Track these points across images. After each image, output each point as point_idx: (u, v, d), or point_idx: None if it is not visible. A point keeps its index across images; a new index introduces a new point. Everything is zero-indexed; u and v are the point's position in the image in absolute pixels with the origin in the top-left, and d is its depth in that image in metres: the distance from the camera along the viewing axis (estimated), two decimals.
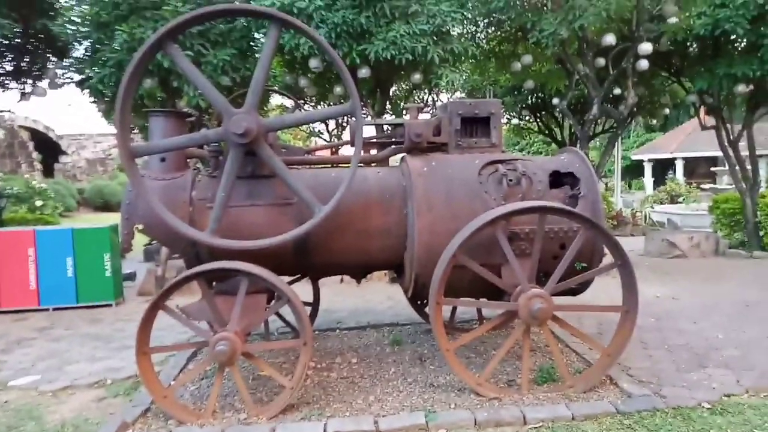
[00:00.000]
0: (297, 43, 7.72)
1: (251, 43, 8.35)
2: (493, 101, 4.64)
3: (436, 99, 13.63)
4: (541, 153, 27.77)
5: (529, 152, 30.41)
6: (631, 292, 4.00)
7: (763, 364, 4.57)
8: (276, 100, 13.67)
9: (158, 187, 4.00)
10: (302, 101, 11.04)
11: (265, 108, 11.66)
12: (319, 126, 13.70)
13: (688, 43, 9.76)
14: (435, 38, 7.82)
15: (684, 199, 19.28)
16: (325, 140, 13.47)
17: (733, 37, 8.65)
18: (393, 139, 4.63)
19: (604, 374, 4.11)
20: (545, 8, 8.66)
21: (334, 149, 6.02)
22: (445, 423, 3.56)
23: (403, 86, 12.22)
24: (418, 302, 5.53)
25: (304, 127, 14.67)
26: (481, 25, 10.25)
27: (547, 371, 4.27)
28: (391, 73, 8.81)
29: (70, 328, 6.59)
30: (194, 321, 3.95)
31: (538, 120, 15.00)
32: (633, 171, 29.91)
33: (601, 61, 9.84)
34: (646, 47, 9.16)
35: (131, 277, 9.21)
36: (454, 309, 5.74)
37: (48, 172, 25.57)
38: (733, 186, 11.23)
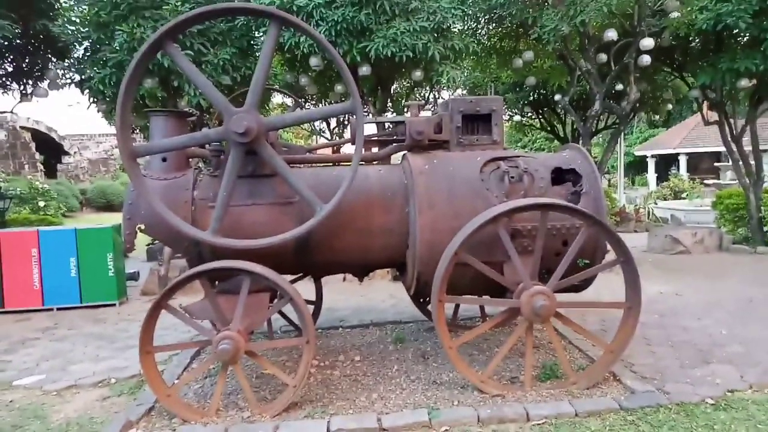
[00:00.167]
0: (297, 42, 7.72)
1: (251, 42, 8.35)
2: (495, 98, 4.62)
3: (437, 96, 13.59)
4: (543, 150, 27.75)
5: (531, 149, 30.37)
6: (634, 289, 3.99)
7: (767, 360, 4.56)
8: (277, 99, 13.67)
9: (160, 186, 4.01)
10: (303, 100, 11.04)
11: (267, 107, 11.65)
12: (320, 124, 13.70)
13: (691, 38, 9.69)
14: (435, 35, 7.81)
15: (687, 195, 19.23)
16: (326, 139, 13.47)
17: (735, 31, 8.58)
18: (394, 137, 4.62)
19: (607, 371, 4.10)
20: (546, 4, 8.62)
21: (335, 148, 6.01)
22: (448, 420, 3.56)
23: (404, 84, 12.19)
24: (421, 300, 5.52)
25: (306, 125, 14.68)
26: (482, 21, 10.22)
27: (550, 368, 4.26)
28: (392, 70, 8.80)
29: (74, 328, 6.62)
30: (197, 320, 3.95)
31: (541, 117, 14.96)
32: (636, 167, 29.84)
33: (602, 57, 9.81)
34: (647, 42, 9.12)
35: (134, 276, 9.23)
36: (457, 306, 5.73)
37: (51, 172, 25.63)
38: (737, 181, 11.18)
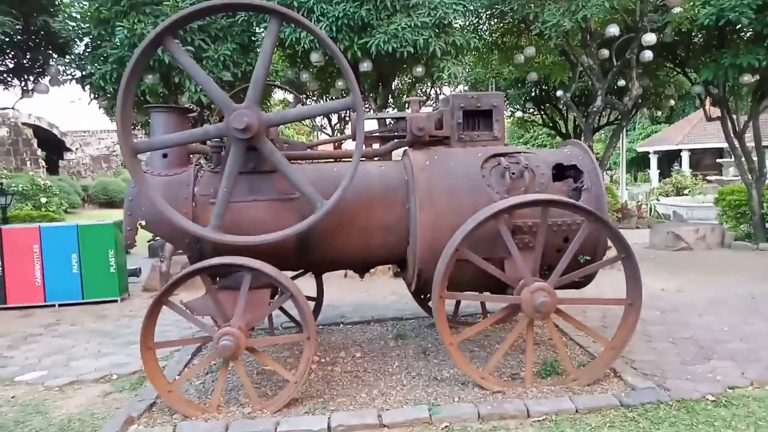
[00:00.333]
0: (298, 38, 7.70)
1: (252, 38, 8.33)
2: (496, 94, 4.60)
3: (438, 92, 13.58)
4: (545, 146, 27.69)
5: (533, 145, 30.30)
6: (635, 285, 3.98)
7: None
8: (279, 95, 13.66)
9: (160, 183, 4.01)
10: (304, 96, 11.02)
11: (268, 103, 11.64)
12: (321, 120, 13.70)
13: (693, 34, 9.66)
14: (437, 31, 7.79)
15: (690, 191, 19.19)
16: (327, 135, 13.46)
17: (738, 26, 8.54)
18: (395, 133, 4.61)
19: (608, 367, 4.10)
20: None
21: (336, 144, 6.00)
22: (449, 416, 3.57)
23: (405, 80, 12.18)
24: (422, 296, 5.53)
25: (307, 121, 14.67)
26: (484, 16, 10.20)
27: (550, 364, 4.26)
28: (393, 66, 8.79)
29: (76, 324, 6.64)
30: (198, 316, 3.96)
31: (542, 113, 14.93)
32: (639, 163, 29.78)
33: (604, 53, 9.78)
34: (650, 38, 9.09)
35: (136, 272, 9.25)
36: (458, 303, 5.74)
37: (52, 169, 25.68)
38: (739, 178, 11.14)
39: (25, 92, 9.32)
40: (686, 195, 19.03)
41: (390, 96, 10.69)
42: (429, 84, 12.63)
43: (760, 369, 4.28)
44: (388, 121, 4.69)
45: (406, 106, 4.68)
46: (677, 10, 8.79)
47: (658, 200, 18.49)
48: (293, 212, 4.03)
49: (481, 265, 3.88)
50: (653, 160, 27.14)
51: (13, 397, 4.40)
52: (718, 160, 22.82)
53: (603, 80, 9.71)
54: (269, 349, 5.11)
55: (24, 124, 24.17)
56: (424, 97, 13.16)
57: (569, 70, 10.99)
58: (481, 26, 10.49)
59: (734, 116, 10.63)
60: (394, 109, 11.63)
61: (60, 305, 7.46)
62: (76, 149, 29.16)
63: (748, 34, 9.15)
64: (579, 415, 3.56)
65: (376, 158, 4.68)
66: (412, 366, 4.57)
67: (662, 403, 3.67)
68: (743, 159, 10.57)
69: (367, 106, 9.44)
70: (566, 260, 3.88)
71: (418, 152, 4.35)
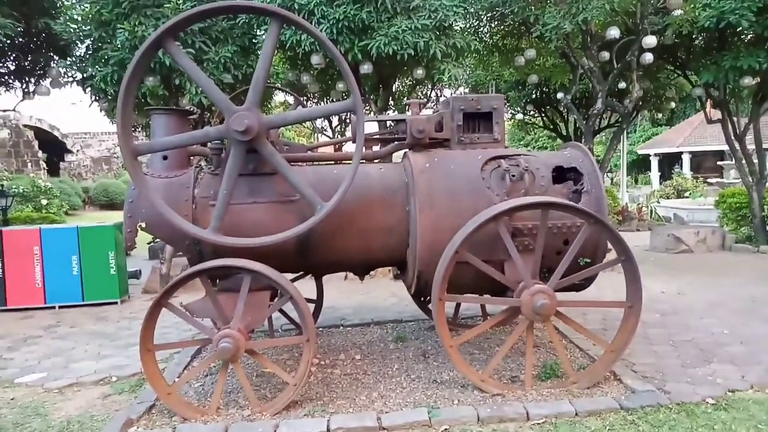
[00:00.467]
0: (299, 40, 7.71)
1: (253, 40, 8.35)
2: (496, 96, 4.60)
3: (439, 94, 13.60)
4: (546, 148, 27.67)
5: (534, 147, 30.31)
6: (635, 288, 3.97)
7: None
8: (279, 97, 13.68)
9: (161, 185, 4.01)
10: (305, 98, 11.04)
11: (268, 105, 11.66)
12: (322, 122, 13.71)
13: (694, 36, 9.66)
14: (437, 33, 7.80)
15: (691, 194, 19.17)
16: (328, 137, 13.47)
17: (738, 29, 8.54)
18: (396, 136, 4.61)
19: (607, 370, 4.09)
20: (548, 2, 8.60)
21: (336, 146, 6.01)
22: (448, 419, 3.56)
23: (406, 82, 12.20)
24: (422, 299, 5.52)
25: (308, 123, 14.69)
26: (484, 19, 10.21)
27: (550, 367, 4.25)
28: (394, 68, 8.80)
29: (76, 326, 6.63)
30: (198, 318, 3.96)
31: (543, 115, 14.95)
32: (640, 165, 29.76)
33: (605, 55, 9.79)
34: (650, 40, 9.10)
35: (136, 274, 9.25)
36: (458, 305, 5.73)
37: (53, 170, 25.71)
38: (740, 180, 11.13)
39: (27, 94, 9.34)
40: (687, 197, 19.01)
41: (390, 98, 10.70)
42: (429, 86, 12.64)
43: (760, 372, 4.27)
44: (388, 123, 4.68)
45: (407, 108, 4.68)
46: (678, 12, 8.79)
47: (659, 203, 18.48)
48: (293, 214, 4.03)
49: (481, 268, 3.87)
50: (654, 163, 27.13)
51: (12, 399, 4.40)
52: (719, 163, 22.79)
53: (603, 82, 9.71)
54: (269, 351, 5.11)
55: (25, 125, 24.21)
56: (425, 100, 13.17)
57: (570, 72, 10.99)
58: (481, 28, 10.51)
59: (735, 119, 10.63)
60: (394, 111, 11.65)
61: (60, 307, 7.46)
62: (77, 151, 29.20)
63: (748, 37, 9.16)
64: (579, 418, 3.56)
65: (376, 160, 4.68)
66: (412, 368, 4.56)
67: (662, 407, 3.66)
68: (744, 161, 10.56)
69: (367, 108, 9.45)
70: (566, 263, 3.88)
71: (418, 154, 4.35)
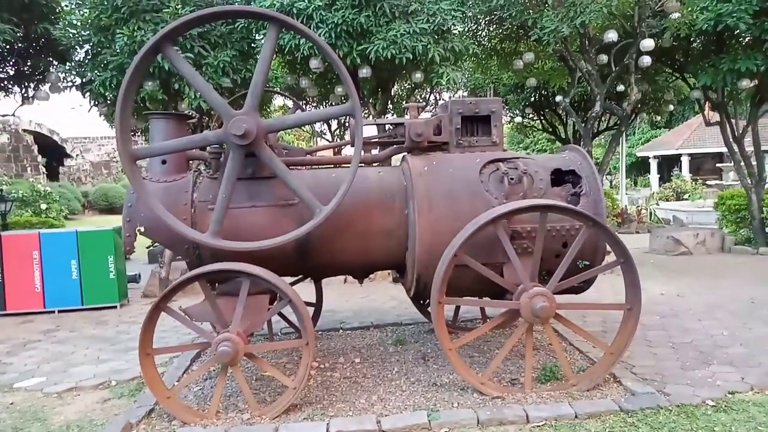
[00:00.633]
0: (297, 44, 7.73)
1: (252, 45, 8.37)
2: (494, 99, 4.61)
3: (438, 98, 13.62)
4: (545, 151, 27.73)
5: (533, 150, 30.35)
6: (634, 290, 3.97)
7: None
8: (279, 101, 13.71)
9: (159, 189, 4.02)
10: (304, 102, 11.05)
11: (268, 109, 11.67)
12: (321, 126, 13.73)
13: (691, 39, 9.69)
14: (435, 37, 7.82)
15: (690, 196, 19.19)
16: (327, 140, 13.49)
17: (736, 32, 8.57)
18: (394, 139, 4.62)
19: (607, 372, 4.09)
20: (546, 5, 8.63)
21: (335, 149, 6.02)
22: (448, 422, 3.56)
23: (405, 85, 12.22)
24: (421, 302, 5.52)
25: (307, 127, 14.71)
26: (482, 23, 10.25)
27: (550, 370, 4.25)
28: (392, 72, 8.82)
29: (75, 330, 6.63)
30: (197, 322, 3.96)
31: (542, 118, 14.98)
32: (639, 168, 29.80)
33: (603, 58, 9.82)
34: (648, 43, 9.13)
35: (136, 278, 9.25)
36: (458, 308, 5.73)
37: (53, 175, 25.72)
38: (739, 182, 11.15)
39: (26, 99, 9.36)
40: (686, 200, 19.02)
41: (389, 102, 10.72)
42: (428, 90, 12.66)
43: (760, 374, 4.27)
44: (386, 126, 4.69)
45: (405, 111, 4.70)
46: (675, 15, 8.82)
47: (658, 205, 18.50)
48: (292, 218, 4.03)
49: (480, 270, 3.88)
50: (653, 165, 27.17)
51: (11, 404, 4.40)
52: (717, 165, 22.82)
53: (602, 85, 9.74)
54: (268, 355, 5.11)
55: (24, 130, 24.23)
56: (424, 103, 13.20)
57: (568, 75, 11.02)
58: (479, 32, 10.54)
59: (733, 121, 10.65)
60: (393, 114, 11.67)
61: (59, 311, 7.46)
62: (77, 155, 29.21)
63: (746, 40, 9.18)
64: (578, 421, 3.55)
65: (374, 164, 4.69)
66: (412, 371, 4.56)
67: (662, 409, 3.66)
68: (742, 163, 10.57)
69: (366, 112, 9.47)
70: (565, 265, 3.88)
71: (416, 158, 4.36)
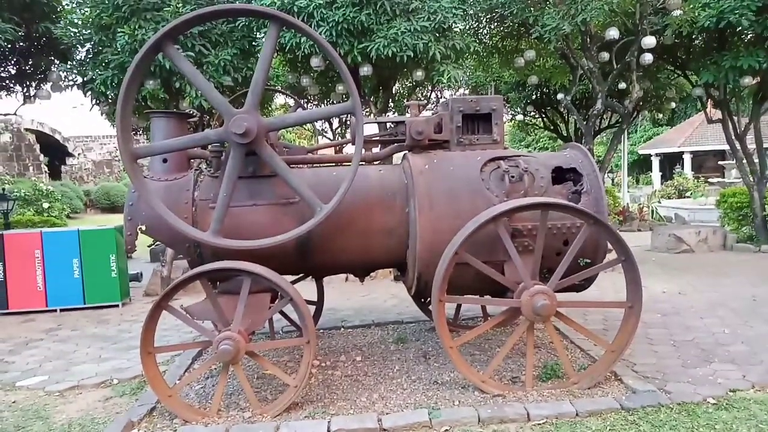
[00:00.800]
0: (298, 42, 7.73)
1: (252, 43, 8.37)
2: (495, 97, 4.61)
3: (439, 96, 13.61)
4: (547, 149, 27.69)
5: (535, 148, 30.32)
6: (635, 288, 3.97)
7: None
8: (280, 99, 13.70)
9: (160, 188, 4.02)
10: (305, 100, 11.06)
11: (269, 108, 11.67)
12: (322, 125, 13.73)
13: (693, 36, 9.66)
14: (436, 35, 7.81)
15: (692, 194, 19.16)
16: (328, 139, 13.48)
17: (738, 29, 8.54)
18: (395, 137, 4.62)
19: (608, 370, 4.08)
20: (547, 3, 8.61)
21: (337, 148, 6.02)
22: (449, 420, 3.56)
23: (406, 83, 12.20)
24: (422, 300, 5.52)
25: (308, 126, 14.71)
26: (483, 20, 10.22)
27: (551, 368, 4.25)
28: (393, 70, 8.81)
29: (77, 329, 6.65)
30: (198, 321, 3.96)
31: (543, 116, 14.95)
32: (641, 166, 29.74)
33: (605, 56, 9.80)
34: (650, 41, 9.10)
35: (137, 277, 9.27)
36: (459, 306, 5.73)
37: (55, 174, 25.76)
38: (741, 180, 11.13)
39: (27, 98, 9.37)
40: (688, 197, 18.99)
41: (390, 100, 10.72)
42: (429, 88, 12.66)
43: (761, 372, 4.26)
44: (387, 125, 4.69)
45: (406, 110, 4.69)
46: (677, 12, 8.79)
47: (660, 203, 18.47)
48: (293, 216, 4.03)
49: (481, 269, 3.87)
50: (655, 163, 27.11)
51: (14, 402, 4.41)
52: (720, 163, 22.77)
53: (603, 83, 9.71)
54: (269, 353, 5.11)
55: (26, 129, 24.28)
56: (425, 101, 13.19)
57: (569, 73, 11.00)
58: (481, 30, 10.51)
59: (735, 118, 10.63)
60: (394, 113, 11.66)
61: (61, 310, 7.48)
62: (79, 154, 29.25)
63: (748, 36, 9.15)
64: (579, 419, 3.55)
65: (375, 162, 4.69)
66: (413, 370, 4.56)
67: (663, 406, 3.65)
68: (745, 161, 10.55)
69: (367, 110, 9.46)
70: (566, 263, 3.88)
71: (417, 156, 4.35)
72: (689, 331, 5.44)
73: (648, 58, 9.39)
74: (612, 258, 4.08)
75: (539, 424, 3.51)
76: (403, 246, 4.27)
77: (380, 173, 4.40)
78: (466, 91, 13.72)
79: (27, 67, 9.13)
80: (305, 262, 4.31)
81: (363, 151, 3.98)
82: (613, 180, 25.29)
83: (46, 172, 23.97)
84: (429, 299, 4.77)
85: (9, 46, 8.23)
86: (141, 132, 10.16)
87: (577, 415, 3.59)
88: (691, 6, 8.67)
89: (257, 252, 3.74)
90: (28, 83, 9.28)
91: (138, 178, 3.65)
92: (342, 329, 5.98)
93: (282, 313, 5.41)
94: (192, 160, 4.49)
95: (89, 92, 8.40)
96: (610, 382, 4.07)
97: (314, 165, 4.60)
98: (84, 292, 7.56)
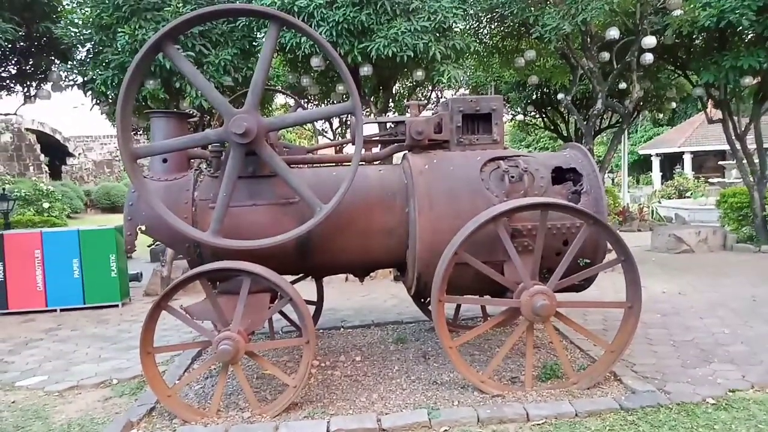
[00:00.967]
0: (298, 42, 7.73)
1: (253, 43, 8.37)
2: (495, 97, 4.61)
3: (439, 96, 13.61)
4: (547, 149, 27.69)
5: (535, 148, 30.32)
6: (635, 288, 3.97)
7: None
8: (280, 99, 13.70)
9: (160, 187, 4.02)
10: (305, 100, 11.05)
11: (269, 107, 11.67)
12: (322, 125, 13.73)
13: (694, 36, 9.65)
14: (437, 35, 7.81)
15: (692, 194, 19.15)
16: (328, 139, 13.48)
17: (739, 28, 8.53)
18: (395, 137, 4.62)
19: (607, 371, 4.08)
20: (548, 3, 8.61)
21: (337, 148, 6.02)
22: (448, 420, 3.56)
23: (406, 83, 12.20)
24: (422, 300, 5.52)
25: (308, 125, 14.71)
26: (484, 20, 10.22)
27: (550, 368, 4.25)
28: (394, 70, 8.81)
29: (77, 329, 6.65)
30: (198, 321, 3.96)
31: (544, 116, 14.95)
32: (641, 165, 29.72)
33: (605, 56, 9.79)
34: (650, 41, 9.09)
35: (137, 277, 9.27)
36: (459, 306, 5.73)
37: (55, 174, 25.77)
38: (741, 180, 11.12)
39: (28, 98, 9.38)
40: (688, 197, 18.98)
41: (390, 100, 10.71)
42: (429, 88, 12.65)
43: (760, 372, 4.26)
44: (387, 125, 4.69)
45: (406, 110, 4.69)
46: (677, 12, 8.79)
47: (660, 203, 18.46)
48: (293, 216, 4.03)
49: (481, 269, 3.87)
50: (655, 163, 27.09)
51: (13, 402, 4.41)
52: (720, 163, 22.75)
53: (603, 83, 9.71)
54: (269, 353, 5.11)
55: (27, 129, 24.29)
56: (425, 101, 13.19)
57: (570, 73, 10.99)
58: (481, 30, 10.51)
59: (735, 118, 10.62)
60: (394, 113, 11.65)
61: (61, 310, 7.49)
62: (79, 154, 29.26)
63: (749, 36, 9.14)
64: (579, 419, 3.55)
65: (375, 162, 4.69)
66: (412, 370, 4.56)
67: (662, 407, 3.65)
68: (745, 161, 10.54)
69: (367, 110, 9.46)
70: (566, 263, 3.88)
71: (417, 156, 4.35)
72: (689, 331, 5.44)
73: (648, 58, 9.38)
74: (612, 258, 4.08)
75: (538, 424, 3.51)
76: (402, 246, 4.27)
77: (380, 173, 4.40)
78: (467, 91, 13.71)
79: (27, 67, 9.13)
80: (305, 262, 4.31)
81: (363, 151, 3.98)
82: (613, 180, 25.28)
83: (46, 172, 23.99)
84: (429, 299, 4.77)
85: (9, 45, 8.24)
86: (141, 132, 10.15)
87: (576, 415, 3.59)
88: (692, 6, 8.66)
89: (257, 252, 3.74)
90: (28, 83, 9.29)
91: (138, 178, 3.66)
92: (342, 329, 5.98)
93: (282, 313, 5.41)
94: (192, 160, 4.49)
95: (89, 92, 8.41)
96: (610, 382, 4.07)
97: (314, 165, 4.60)
98: (84, 292, 7.56)
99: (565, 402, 3.74)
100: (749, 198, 10.59)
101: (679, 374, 4.28)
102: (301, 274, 5.12)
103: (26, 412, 4.20)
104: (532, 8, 8.69)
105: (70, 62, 8.70)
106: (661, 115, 15.24)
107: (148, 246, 11.13)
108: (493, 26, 10.52)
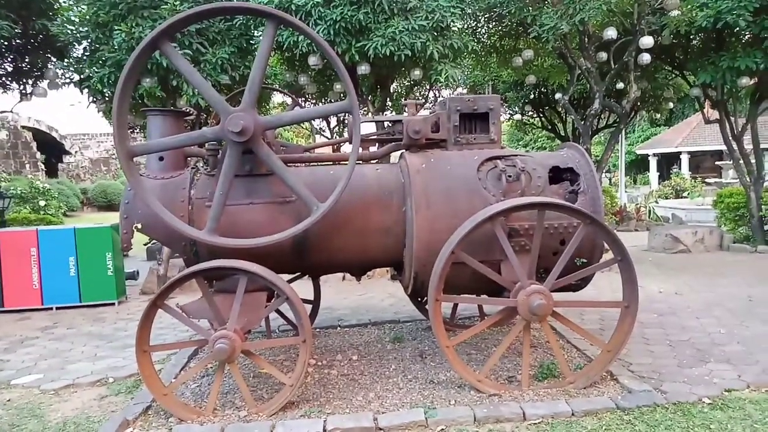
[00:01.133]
0: (296, 41, 7.71)
1: (250, 41, 8.34)
2: (492, 97, 4.60)
3: (437, 95, 13.61)
4: (545, 148, 27.71)
5: (533, 148, 30.34)
6: (632, 288, 3.97)
7: (765, 359, 4.54)
8: (278, 98, 13.68)
9: (157, 186, 4.01)
10: (302, 99, 11.04)
11: (266, 106, 11.65)
12: (320, 123, 13.71)
13: (691, 36, 9.68)
14: (434, 34, 7.80)
15: (689, 194, 19.20)
16: (326, 138, 13.46)
17: (736, 29, 8.55)
18: (392, 136, 4.61)
19: (604, 370, 4.09)
20: (546, 2, 8.62)
21: (335, 147, 6.02)
22: (445, 419, 3.56)
23: (404, 82, 12.19)
24: (419, 299, 5.52)
25: (306, 124, 14.70)
26: (482, 20, 10.23)
27: (547, 367, 4.25)
28: (391, 69, 8.79)
29: (73, 327, 6.63)
30: (194, 319, 3.95)
31: (541, 115, 14.96)
32: (639, 165, 29.81)
33: (602, 55, 9.81)
34: (647, 41, 9.11)
35: (134, 275, 9.24)
36: (455, 306, 5.73)
37: (51, 172, 25.70)
38: (738, 180, 11.15)
39: (24, 95, 9.34)
40: (685, 197, 19.04)
41: (388, 99, 10.70)
42: (427, 87, 12.65)
43: (756, 372, 4.27)
44: (385, 124, 4.68)
45: (404, 109, 4.68)
46: (675, 12, 8.80)
47: (657, 203, 18.51)
48: (290, 215, 4.03)
49: (478, 268, 3.87)
50: (652, 163, 27.17)
51: (8, 401, 4.40)
52: (717, 163, 22.82)
53: (601, 83, 9.72)
54: (265, 352, 5.11)
55: (23, 127, 24.21)
56: (423, 100, 13.19)
57: (567, 72, 11.01)
58: (479, 29, 10.52)
59: (732, 119, 10.65)
60: (392, 112, 11.65)
61: (57, 308, 7.45)
62: (76, 152, 29.18)
63: (746, 37, 9.17)
64: (575, 418, 3.56)
65: (372, 161, 4.68)
66: (409, 369, 4.56)
67: (658, 406, 3.66)
68: (742, 161, 10.57)
69: (364, 109, 9.45)
70: (562, 263, 3.88)
71: (414, 155, 4.35)
72: (685, 331, 5.45)
73: (646, 58, 9.40)
74: (609, 258, 4.08)
75: (535, 423, 3.52)
76: (400, 245, 4.27)
77: (377, 172, 4.39)
78: (464, 91, 13.72)
79: (24, 65, 9.09)
80: (302, 260, 4.30)
81: (360, 149, 3.97)
82: (610, 180, 25.33)
83: (42, 169, 23.91)
84: (425, 298, 4.77)
85: (6, 43, 8.21)
86: (138, 130, 10.12)
87: (572, 414, 3.59)
88: (689, 6, 8.68)
89: (254, 250, 3.74)
90: (24, 80, 9.25)
91: (134, 176, 3.64)
92: (338, 328, 5.97)
93: (278, 311, 5.41)
94: (189, 159, 4.48)
95: (86, 90, 8.37)
96: (606, 381, 4.08)
97: (311, 164, 4.59)
98: (80, 290, 7.53)
99: (561, 401, 3.74)
100: (746, 198, 10.62)
101: (676, 374, 4.29)
102: (298, 273, 5.11)
103: (22, 410, 4.19)
104: (530, 8, 8.70)
105: (66, 60, 8.66)
106: (658, 115, 15.27)
107: (145, 244, 11.12)
108: (490, 26, 10.53)
